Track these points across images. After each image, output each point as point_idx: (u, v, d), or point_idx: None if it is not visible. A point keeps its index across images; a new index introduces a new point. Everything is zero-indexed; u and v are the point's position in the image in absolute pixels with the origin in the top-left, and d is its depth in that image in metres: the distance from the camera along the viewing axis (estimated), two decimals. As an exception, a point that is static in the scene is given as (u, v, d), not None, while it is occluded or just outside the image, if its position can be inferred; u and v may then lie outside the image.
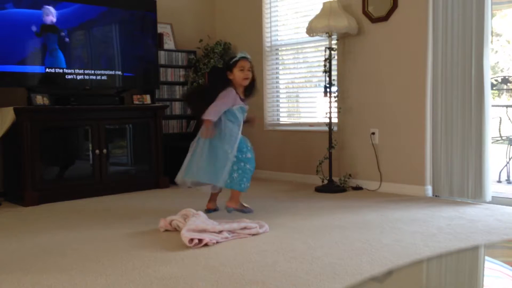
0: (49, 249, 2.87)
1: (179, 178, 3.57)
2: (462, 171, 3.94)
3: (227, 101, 3.54)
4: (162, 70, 5.31)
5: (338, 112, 4.74)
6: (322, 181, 4.70)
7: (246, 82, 3.59)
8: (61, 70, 4.47)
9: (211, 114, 3.48)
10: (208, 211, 3.70)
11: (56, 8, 4.41)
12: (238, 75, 3.54)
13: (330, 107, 4.55)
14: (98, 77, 4.68)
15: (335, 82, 4.70)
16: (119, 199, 4.40)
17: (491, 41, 3.97)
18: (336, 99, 4.66)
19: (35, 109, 4.22)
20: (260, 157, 5.55)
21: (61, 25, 4.45)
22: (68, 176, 4.46)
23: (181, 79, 5.52)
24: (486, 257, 1.38)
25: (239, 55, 3.59)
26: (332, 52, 4.55)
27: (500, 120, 5.43)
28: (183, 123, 5.59)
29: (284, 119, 5.45)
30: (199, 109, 3.55)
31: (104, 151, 4.59)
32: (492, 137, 4.23)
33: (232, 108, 3.56)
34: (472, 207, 3.76)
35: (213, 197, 3.82)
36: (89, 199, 4.37)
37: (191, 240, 2.81)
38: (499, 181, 5.09)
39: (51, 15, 4.23)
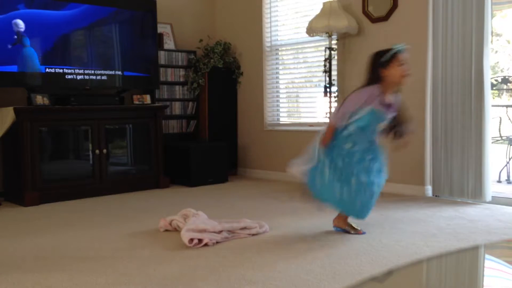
0: (49, 249, 2.87)
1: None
2: (462, 171, 3.94)
3: (358, 100, 2.89)
4: (162, 70, 5.31)
5: (338, 112, 4.73)
6: (322, 181, 4.69)
7: (406, 80, 2.92)
8: (61, 70, 4.47)
9: (336, 116, 2.96)
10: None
11: (59, 10, 4.42)
12: (397, 71, 2.86)
13: (330, 107, 4.55)
14: (98, 77, 4.68)
15: (335, 82, 4.70)
16: (119, 199, 4.40)
17: (491, 41, 3.97)
18: (336, 99, 4.66)
19: (35, 109, 4.22)
20: (260, 157, 5.57)
21: (63, 26, 4.46)
22: (68, 176, 4.46)
23: (181, 79, 5.52)
24: (486, 257, 1.38)
25: (396, 47, 2.91)
26: (332, 52, 4.55)
27: (500, 120, 5.42)
28: (183, 123, 5.60)
29: (284, 119, 5.46)
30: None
31: (104, 151, 4.59)
32: (492, 137, 4.23)
33: (363, 110, 2.89)
34: (472, 207, 3.76)
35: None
36: (89, 199, 4.37)
37: (191, 240, 2.81)
38: (499, 181, 5.09)
39: (19, 26, 4.22)
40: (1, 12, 4.15)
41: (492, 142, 4.12)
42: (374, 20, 4.45)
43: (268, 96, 5.51)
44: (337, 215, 3.12)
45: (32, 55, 4.30)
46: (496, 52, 8.66)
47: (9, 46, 4.19)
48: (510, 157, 5.07)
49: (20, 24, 4.20)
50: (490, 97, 3.86)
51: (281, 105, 5.49)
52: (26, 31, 4.25)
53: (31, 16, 4.29)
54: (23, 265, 2.59)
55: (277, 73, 5.47)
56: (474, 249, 2.20)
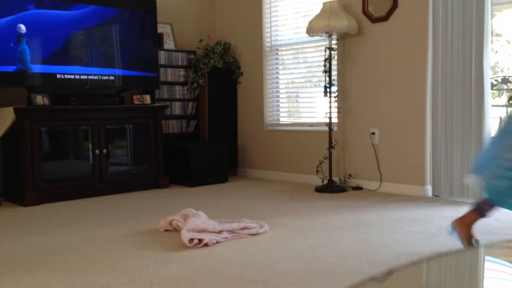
0: (49, 249, 2.87)
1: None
2: (462, 171, 3.94)
3: None
4: (162, 70, 5.31)
5: (338, 112, 4.74)
6: (322, 181, 4.70)
7: None
8: (61, 70, 4.47)
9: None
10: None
11: (65, 11, 4.43)
12: None
13: (330, 107, 4.55)
14: (98, 77, 4.68)
15: (335, 82, 4.70)
16: (119, 199, 4.40)
17: (491, 41, 3.97)
18: (336, 99, 4.66)
19: (35, 109, 4.22)
20: (260, 157, 5.57)
21: (66, 27, 4.46)
22: (68, 176, 4.46)
23: (181, 79, 5.52)
24: (486, 257, 1.38)
25: None
26: (332, 52, 4.55)
27: (500, 120, 5.42)
28: (183, 123, 5.60)
29: (284, 119, 5.46)
30: None
31: (104, 151, 4.59)
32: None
33: None
34: (472, 207, 3.76)
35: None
36: (89, 199, 4.37)
37: (191, 240, 2.81)
38: (499, 181, 5.08)
39: (21, 29, 4.25)
40: (12, 13, 4.18)
41: (492, 142, 4.11)
42: (374, 20, 4.45)
43: (268, 96, 5.51)
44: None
45: (24, 52, 4.30)
46: (496, 52, 8.65)
47: (12, 45, 4.21)
48: (510, 157, 5.07)
49: (22, 28, 4.23)
50: (490, 97, 3.86)
51: (281, 105, 5.49)
52: (32, 31, 4.27)
53: (35, 17, 4.30)
54: (23, 265, 2.59)
55: (277, 73, 5.47)
56: (474, 249, 2.20)
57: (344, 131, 4.76)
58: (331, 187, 4.54)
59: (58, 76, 4.45)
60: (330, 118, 4.55)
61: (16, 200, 4.26)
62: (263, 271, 2.42)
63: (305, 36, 4.95)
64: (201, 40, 5.64)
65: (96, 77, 4.67)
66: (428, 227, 3.19)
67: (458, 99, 3.94)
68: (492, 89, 4.86)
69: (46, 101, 4.33)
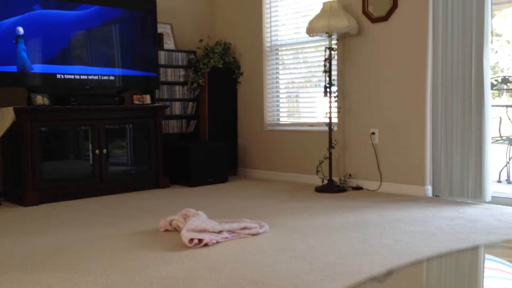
0: (49, 249, 2.87)
1: None
2: (462, 171, 3.94)
3: None
4: (162, 70, 5.31)
5: (338, 112, 4.74)
6: (322, 181, 4.70)
7: None
8: (61, 70, 4.47)
9: None
10: None
11: (70, 11, 4.44)
12: None
13: (330, 107, 4.56)
14: (98, 77, 4.68)
15: (335, 82, 4.70)
16: (119, 199, 4.40)
17: (491, 41, 3.97)
18: (336, 99, 4.66)
19: (35, 109, 4.22)
20: (260, 157, 5.57)
21: (68, 27, 4.46)
22: (68, 176, 4.46)
23: (181, 79, 5.52)
24: (486, 257, 1.38)
25: None
26: (332, 52, 4.56)
27: (500, 120, 5.42)
28: (183, 123, 5.60)
29: (284, 119, 5.46)
30: None
31: (104, 151, 4.60)
32: (492, 137, 4.23)
33: None
34: (472, 207, 3.76)
35: None
36: (89, 199, 4.38)
37: (191, 240, 2.82)
38: (499, 181, 5.09)
39: (19, 31, 4.28)
40: (18, 13, 4.19)
41: (492, 142, 4.12)
42: (374, 20, 4.46)
43: (268, 96, 5.51)
44: None
45: (24, 52, 4.30)
46: (496, 52, 8.65)
47: (13, 42, 4.23)
48: (510, 157, 5.07)
49: (20, 30, 4.25)
50: (490, 97, 3.86)
51: (281, 105, 5.49)
52: (36, 31, 4.29)
53: (40, 17, 4.30)
54: (23, 265, 2.59)
55: (277, 73, 5.47)
56: (474, 249, 2.20)
57: (344, 131, 4.76)
58: (331, 187, 4.54)
59: (58, 76, 4.46)
60: (330, 118, 4.56)
61: (16, 200, 4.26)
62: (263, 271, 2.42)
63: (305, 36, 4.95)
64: (201, 40, 5.64)
65: (96, 77, 4.67)
66: (428, 227, 3.19)
67: (458, 99, 3.94)
68: (492, 89, 4.87)
69: (46, 101, 4.33)
